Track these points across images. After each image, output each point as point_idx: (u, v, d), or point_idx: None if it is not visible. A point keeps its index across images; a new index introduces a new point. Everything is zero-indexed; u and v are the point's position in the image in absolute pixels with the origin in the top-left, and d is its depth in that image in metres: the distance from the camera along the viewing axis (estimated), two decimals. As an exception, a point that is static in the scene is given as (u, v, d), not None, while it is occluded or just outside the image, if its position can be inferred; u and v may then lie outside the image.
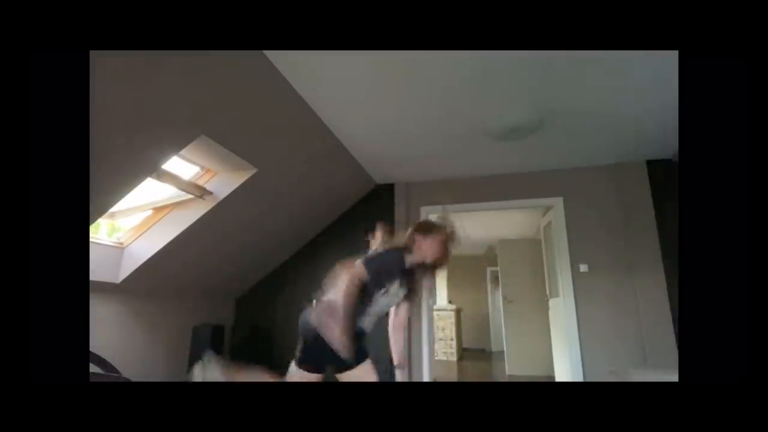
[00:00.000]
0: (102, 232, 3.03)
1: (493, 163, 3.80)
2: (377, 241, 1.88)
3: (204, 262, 3.55)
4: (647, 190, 3.63)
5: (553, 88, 2.52)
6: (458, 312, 7.30)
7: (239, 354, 4.22)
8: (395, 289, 1.72)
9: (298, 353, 1.72)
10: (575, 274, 3.64)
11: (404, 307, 1.88)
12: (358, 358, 1.69)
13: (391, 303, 1.78)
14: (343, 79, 2.43)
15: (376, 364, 1.80)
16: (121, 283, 3.00)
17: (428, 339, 3.90)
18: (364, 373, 1.73)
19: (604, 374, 3.35)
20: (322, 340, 1.59)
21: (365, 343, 1.78)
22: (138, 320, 3.30)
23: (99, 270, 2.84)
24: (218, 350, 3.73)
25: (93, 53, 1.40)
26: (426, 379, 3.77)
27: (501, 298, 5.66)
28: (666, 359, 3.25)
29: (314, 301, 1.71)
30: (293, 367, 1.72)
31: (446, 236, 1.73)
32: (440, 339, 6.93)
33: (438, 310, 7.00)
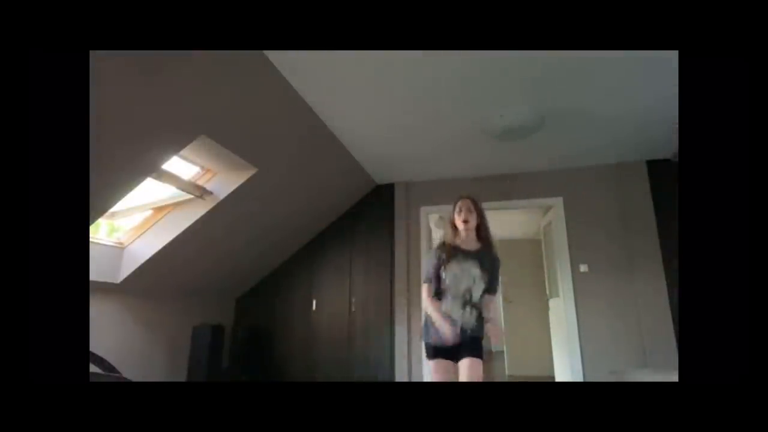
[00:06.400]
0: (102, 232, 3.03)
1: (493, 163, 3.80)
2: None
3: (204, 262, 3.55)
4: (647, 190, 3.63)
5: (553, 88, 2.52)
6: (458, 312, 7.28)
7: (239, 354, 4.22)
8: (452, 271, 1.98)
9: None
10: (575, 274, 3.64)
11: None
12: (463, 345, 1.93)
13: (459, 280, 1.97)
14: (343, 79, 2.43)
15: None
16: (121, 283, 3.00)
17: (428, 339, 3.89)
18: (471, 365, 1.88)
19: (604, 374, 3.35)
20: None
21: (468, 334, 1.94)
22: (138, 320, 3.30)
23: (99, 270, 2.84)
24: (218, 350, 3.74)
25: (93, 53, 1.40)
26: (426, 379, 3.76)
27: (501, 298, 5.66)
28: (666, 359, 3.25)
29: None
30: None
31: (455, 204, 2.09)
32: (440, 339, 6.91)
33: (438, 310, 6.98)
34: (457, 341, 1.92)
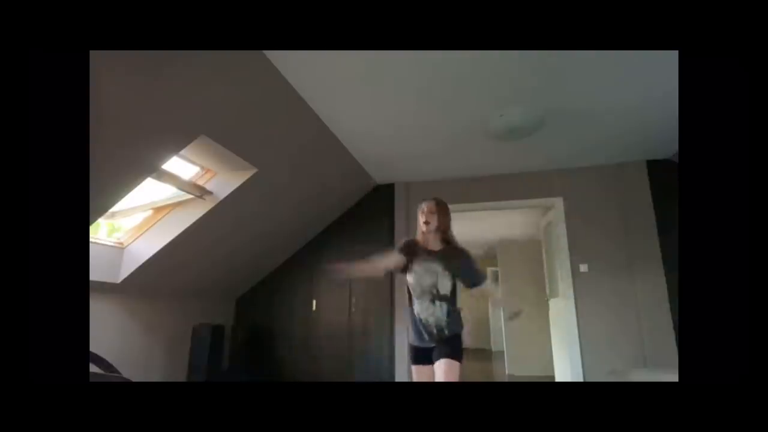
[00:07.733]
0: (102, 232, 3.03)
1: (493, 163, 3.80)
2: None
3: (204, 262, 3.55)
4: (647, 190, 3.63)
5: (553, 88, 2.52)
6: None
7: (239, 354, 4.22)
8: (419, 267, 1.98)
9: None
10: (575, 274, 3.64)
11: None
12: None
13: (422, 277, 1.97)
14: (343, 79, 2.42)
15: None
16: (121, 283, 3.00)
17: (428, 339, 3.89)
18: (447, 368, 1.82)
19: (604, 374, 3.35)
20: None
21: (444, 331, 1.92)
22: (138, 320, 3.30)
23: (99, 270, 2.84)
24: (218, 350, 3.74)
25: (93, 53, 1.40)
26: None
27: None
28: (666, 359, 3.25)
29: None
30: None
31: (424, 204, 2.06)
32: (440, 339, 6.91)
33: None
34: (433, 343, 1.91)
